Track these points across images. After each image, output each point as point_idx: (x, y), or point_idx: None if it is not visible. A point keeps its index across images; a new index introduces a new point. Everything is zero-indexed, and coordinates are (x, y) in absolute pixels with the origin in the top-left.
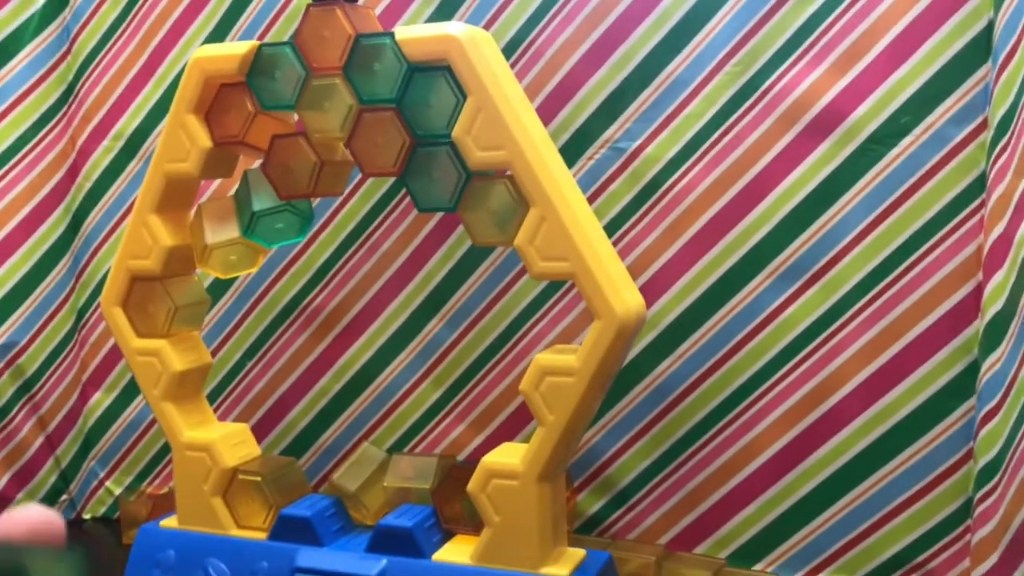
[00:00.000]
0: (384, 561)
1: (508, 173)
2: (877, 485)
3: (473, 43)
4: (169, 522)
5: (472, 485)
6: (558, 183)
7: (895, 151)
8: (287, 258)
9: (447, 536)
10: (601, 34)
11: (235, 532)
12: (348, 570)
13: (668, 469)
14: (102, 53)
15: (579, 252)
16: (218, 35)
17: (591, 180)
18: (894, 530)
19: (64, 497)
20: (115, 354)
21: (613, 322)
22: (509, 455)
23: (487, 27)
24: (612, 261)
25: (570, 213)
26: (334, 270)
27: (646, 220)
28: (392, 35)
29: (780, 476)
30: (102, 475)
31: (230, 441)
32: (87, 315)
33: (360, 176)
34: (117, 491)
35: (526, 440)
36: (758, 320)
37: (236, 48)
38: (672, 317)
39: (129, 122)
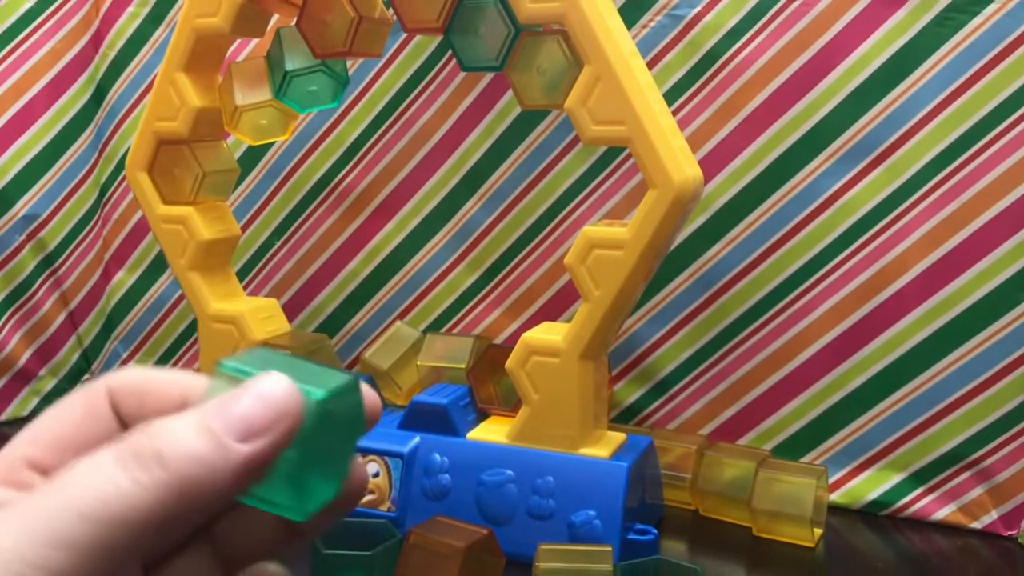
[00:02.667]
0: (417, 438)
1: (560, 28)
2: (934, 379)
3: None
4: None
5: (511, 362)
6: (616, 40)
7: (977, 20)
8: (317, 134)
9: (482, 417)
10: None
11: None
12: (380, 446)
13: (712, 359)
14: None
15: (636, 115)
16: None
17: (645, 50)
18: (950, 425)
19: (86, 377)
20: (138, 232)
21: (669, 191)
22: (550, 332)
23: None
24: (671, 127)
25: (628, 73)
26: (366, 147)
27: (702, 94)
28: None
29: (831, 368)
30: (125, 356)
31: (259, 315)
32: (111, 191)
33: (395, 47)
34: None
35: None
36: (816, 204)
37: None
38: (724, 200)
39: None
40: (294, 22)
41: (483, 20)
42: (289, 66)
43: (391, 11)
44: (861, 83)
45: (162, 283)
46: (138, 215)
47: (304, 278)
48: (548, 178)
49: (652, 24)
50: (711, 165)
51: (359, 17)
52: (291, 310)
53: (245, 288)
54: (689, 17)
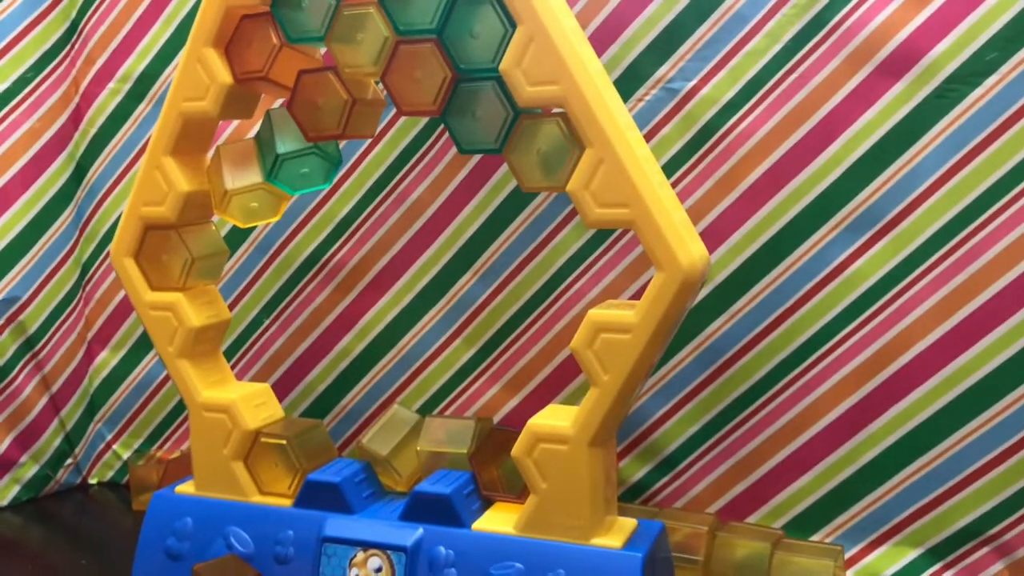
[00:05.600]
0: (420, 530)
1: (560, 111)
2: (948, 452)
3: None
4: (185, 488)
5: (517, 450)
6: (617, 122)
7: (978, 91)
8: (307, 209)
9: (486, 504)
10: None
11: (257, 499)
12: (381, 539)
13: (719, 434)
14: None
15: (641, 198)
16: None
17: (641, 123)
18: (965, 500)
19: (69, 461)
20: (122, 311)
21: (677, 274)
22: (557, 418)
23: None
24: (675, 208)
25: (631, 155)
26: (357, 222)
27: (701, 167)
28: None
29: (842, 442)
30: (109, 438)
31: (251, 402)
32: (92, 269)
33: (387, 121)
34: (125, 455)
35: (567, 402)
36: (822, 275)
37: None
38: (727, 272)
39: (136, 63)
40: (279, 102)
41: (480, 103)
42: (280, 149)
43: (382, 89)
44: (863, 154)
45: (147, 363)
46: (121, 294)
47: (295, 356)
48: (545, 252)
49: (648, 97)
50: (712, 238)
51: (352, 100)
52: (282, 389)
53: (234, 367)
54: (685, 90)
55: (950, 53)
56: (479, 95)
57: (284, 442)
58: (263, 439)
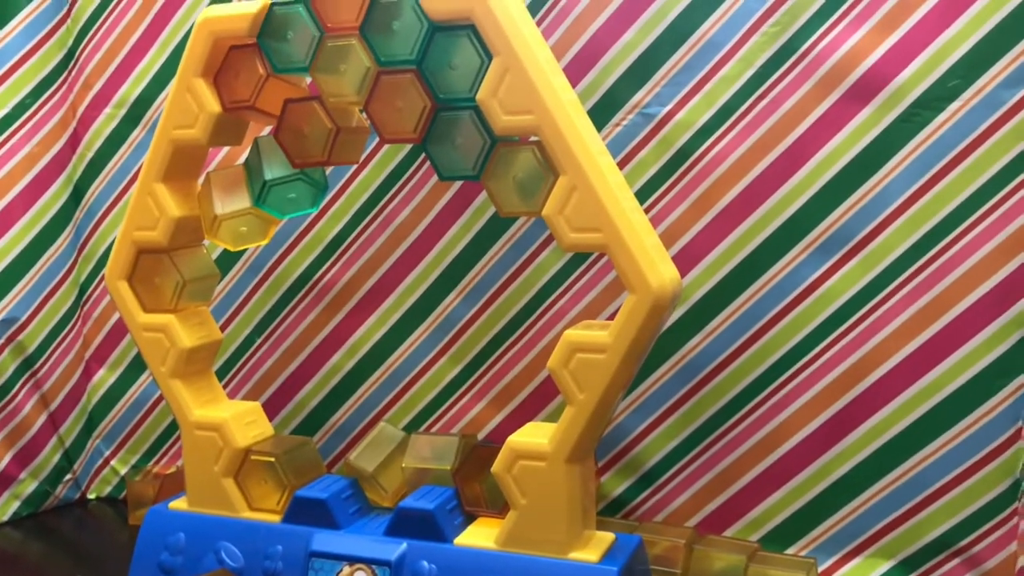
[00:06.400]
0: (404, 545)
1: (535, 139)
2: (919, 466)
3: (500, 1)
4: (178, 504)
5: (497, 466)
6: (589, 149)
7: (942, 116)
8: (297, 231)
9: (469, 519)
10: None
11: (247, 514)
12: (366, 554)
13: (697, 450)
14: (104, 16)
15: (612, 222)
16: None
17: (618, 147)
18: (936, 513)
19: (68, 477)
20: (119, 330)
21: (648, 296)
22: (536, 435)
23: None
24: (646, 232)
25: (603, 181)
26: (346, 243)
27: (676, 189)
28: None
29: (816, 456)
30: (107, 454)
31: (242, 420)
32: (90, 290)
33: (373, 145)
34: (123, 470)
35: (549, 419)
36: (794, 295)
37: (246, 8)
38: (702, 292)
39: (132, 88)
40: (267, 130)
41: (459, 131)
42: (268, 175)
43: (366, 117)
44: (833, 176)
45: (144, 381)
46: (118, 313)
47: (285, 374)
48: (527, 273)
49: (625, 122)
50: (687, 259)
51: (336, 128)
52: (272, 407)
53: (227, 386)
54: (661, 115)
55: (915, 79)
56: (458, 124)
57: (273, 459)
58: (253, 456)
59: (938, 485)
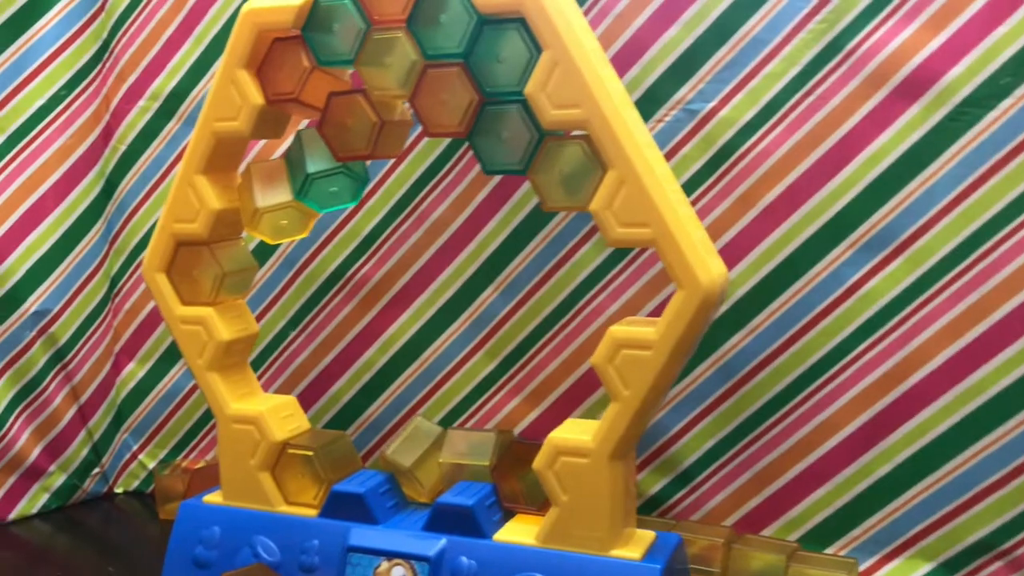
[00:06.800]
0: (443, 540)
1: (583, 133)
2: (961, 467)
3: None
4: (213, 497)
5: (539, 462)
6: (639, 143)
7: (992, 114)
8: (332, 226)
9: (508, 515)
10: None
11: (284, 509)
12: (405, 549)
13: (736, 448)
14: (139, 8)
15: (662, 218)
16: None
17: (661, 144)
18: (979, 515)
19: (96, 471)
20: (149, 324)
21: (697, 292)
22: (578, 431)
23: None
24: (695, 227)
25: (652, 176)
26: (382, 238)
27: (719, 187)
28: None
29: (856, 456)
30: (135, 448)
31: (279, 414)
32: (121, 282)
33: (411, 140)
34: (151, 464)
35: (585, 416)
36: (837, 294)
37: (291, 0)
38: (744, 290)
39: (166, 82)
40: (306, 122)
41: (506, 125)
42: (310, 168)
43: (409, 109)
44: (878, 175)
45: (173, 374)
46: (149, 307)
47: (319, 368)
48: (566, 268)
49: (668, 118)
50: (730, 256)
51: (381, 121)
52: (306, 400)
53: (260, 378)
54: (704, 111)
55: (965, 77)
56: (505, 117)
57: (311, 453)
58: (290, 450)
59: (981, 487)
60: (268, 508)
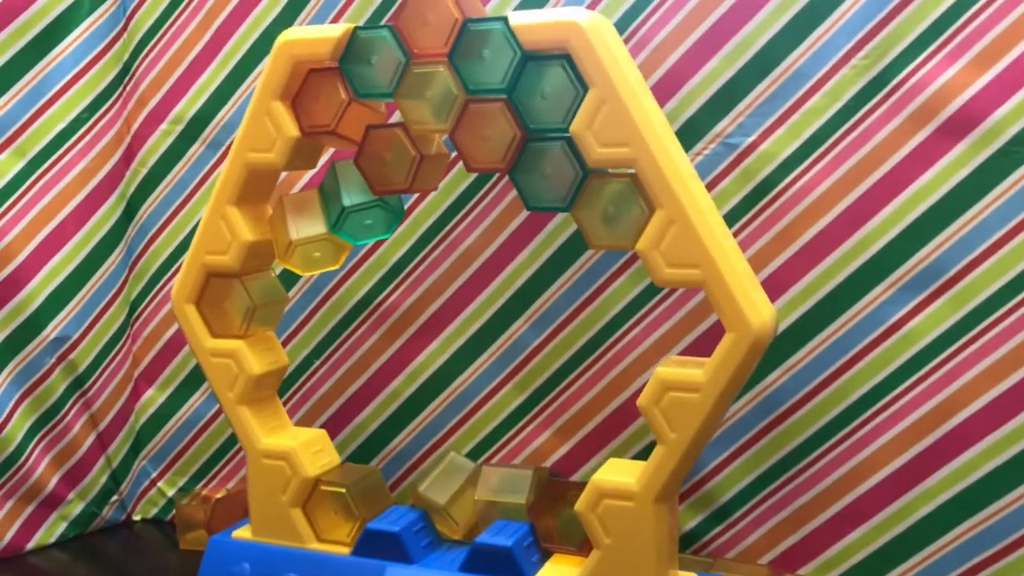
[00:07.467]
0: None
1: (630, 171)
2: (1002, 512)
3: (597, 30)
4: (242, 533)
5: (581, 504)
6: (687, 183)
7: None
8: (360, 254)
9: (545, 555)
10: (714, 22)
11: (315, 546)
12: None
13: (774, 485)
14: (161, 31)
15: (711, 259)
16: (287, 15)
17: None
18: (1019, 560)
19: (115, 498)
20: (169, 350)
21: (748, 335)
22: (621, 473)
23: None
24: (743, 268)
25: (701, 216)
26: (409, 267)
27: (758, 222)
28: (505, 20)
29: (896, 497)
30: (154, 475)
31: (310, 449)
32: (140, 308)
33: None
34: (169, 492)
35: (615, 452)
36: (878, 332)
37: (328, 31)
38: (784, 326)
39: (189, 106)
40: (329, 153)
41: (549, 161)
42: (346, 201)
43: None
44: (923, 213)
45: (194, 401)
46: (169, 332)
47: (344, 398)
48: (599, 300)
49: (707, 152)
50: (769, 292)
51: (420, 155)
52: (332, 430)
53: (284, 406)
54: (744, 146)
55: (1013, 115)
56: (548, 154)
57: (344, 490)
58: (322, 487)
59: (1022, 532)
60: (300, 545)
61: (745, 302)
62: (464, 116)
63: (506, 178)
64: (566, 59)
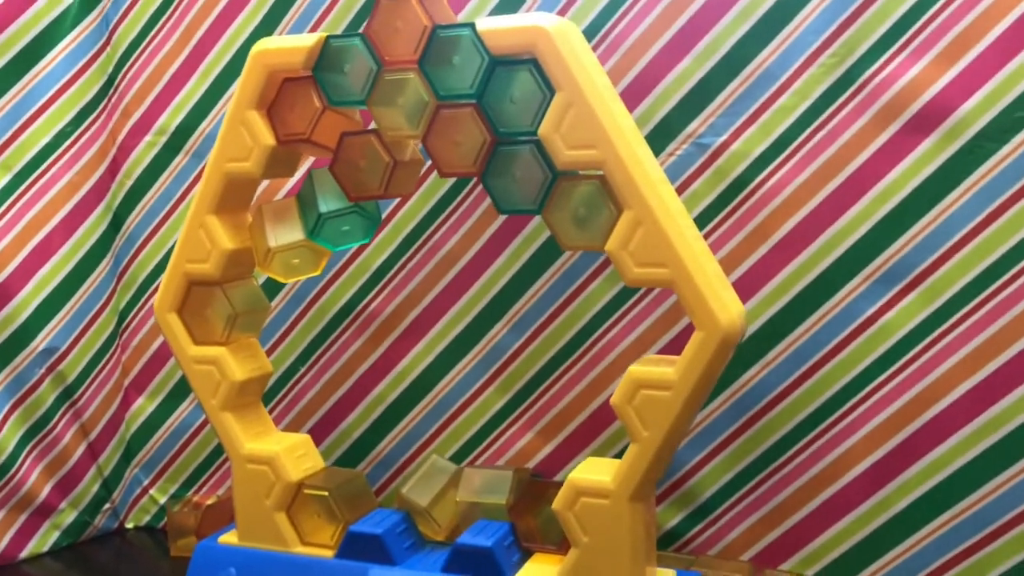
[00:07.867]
0: None
1: (599, 173)
2: (981, 501)
3: (563, 35)
4: (228, 538)
5: (558, 503)
6: (654, 184)
7: (1007, 148)
8: (342, 260)
9: (526, 555)
10: (684, 22)
11: (300, 549)
12: None
13: (753, 482)
14: (143, 44)
15: (679, 258)
16: (267, 26)
17: (672, 177)
18: (999, 550)
19: (107, 506)
20: (158, 359)
21: (716, 333)
22: (597, 472)
23: (559, 15)
24: (712, 266)
25: (668, 216)
26: (391, 273)
27: (731, 220)
28: (473, 26)
29: (875, 490)
30: (145, 483)
31: (293, 453)
32: (129, 318)
33: (420, 173)
34: (161, 499)
35: (597, 452)
36: (852, 327)
37: (301, 41)
38: (759, 324)
39: (172, 117)
40: (309, 162)
41: (519, 165)
42: (323, 208)
43: (418, 144)
44: (892, 208)
45: (183, 409)
46: (158, 341)
47: (329, 404)
48: (577, 302)
49: (679, 152)
50: (743, 290)
51: (394, 161)
52: (316, 436)
53: (270, 413)
54: (716, 145)
55: (978, 110)
56: (518, 158)
57: (327, 493)
58: (306, 490)
59: (1001, 522)
60: (284, 549)
61: (714, 301)
62: (435, 122)
63: None
64: (533, 63)
